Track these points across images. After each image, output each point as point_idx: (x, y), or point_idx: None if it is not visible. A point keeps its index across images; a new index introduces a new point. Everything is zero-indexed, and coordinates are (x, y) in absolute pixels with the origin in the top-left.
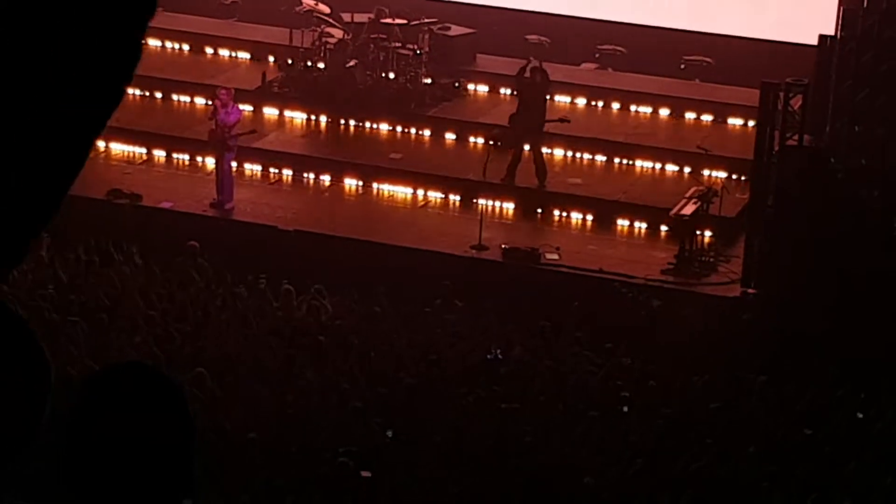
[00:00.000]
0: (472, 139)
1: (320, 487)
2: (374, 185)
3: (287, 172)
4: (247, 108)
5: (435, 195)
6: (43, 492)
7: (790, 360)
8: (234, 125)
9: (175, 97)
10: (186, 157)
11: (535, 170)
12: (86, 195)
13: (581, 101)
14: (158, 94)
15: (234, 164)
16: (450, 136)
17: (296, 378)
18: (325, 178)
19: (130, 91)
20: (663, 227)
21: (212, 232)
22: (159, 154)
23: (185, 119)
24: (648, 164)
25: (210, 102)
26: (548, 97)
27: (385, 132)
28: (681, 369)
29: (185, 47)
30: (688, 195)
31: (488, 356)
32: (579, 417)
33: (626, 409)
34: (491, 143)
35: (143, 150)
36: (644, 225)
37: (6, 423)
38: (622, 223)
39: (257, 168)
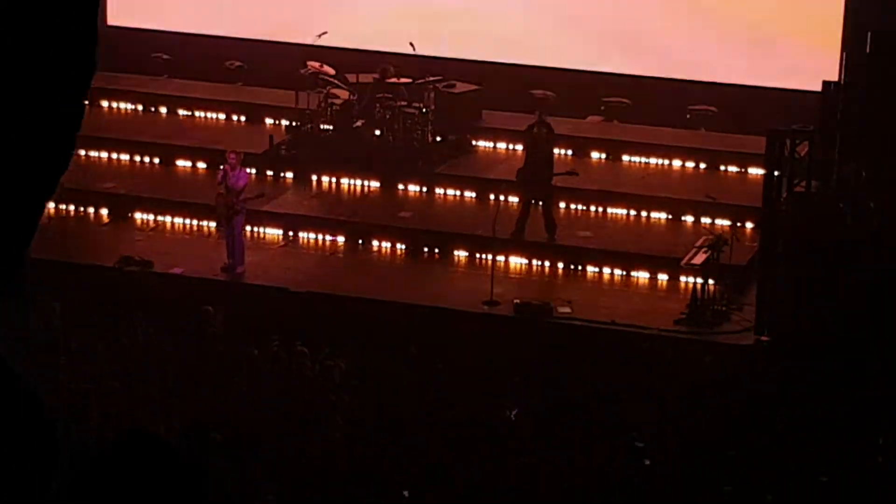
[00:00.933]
0: (481, 195)
1: None
2: (385, 244)
3: (297, 234)
4: (254, 171)
5: (445, 252)
6: None
7: (805, 405)
8: (244, 188)
9: (181, 163)
10: (195, 222)
11: (544, 224)
12: (96, 263)
13: (588, 154)
14: (157, 160)
15: (247, 227)
16: (458, 193)
17: (311, 439)
18: (336, 239)
19: (139, 158)
20: (679, 278)
21: (224, 296)
22: (168, 220)
23: (194, 185)
24: (657, 215)
25: (220, 167)
26: (554, 151)
27: (394, 191)
28: (696, 418)
29: (190, 113)
30: (698, 244)
31: (505, 413)
32: (595, 469)
33: (647, 462)
34: (500, 198)
35: (152, 217)
36: (655, 276)
37: (14, 493)
38: (633, 275)
39: (267, 231)
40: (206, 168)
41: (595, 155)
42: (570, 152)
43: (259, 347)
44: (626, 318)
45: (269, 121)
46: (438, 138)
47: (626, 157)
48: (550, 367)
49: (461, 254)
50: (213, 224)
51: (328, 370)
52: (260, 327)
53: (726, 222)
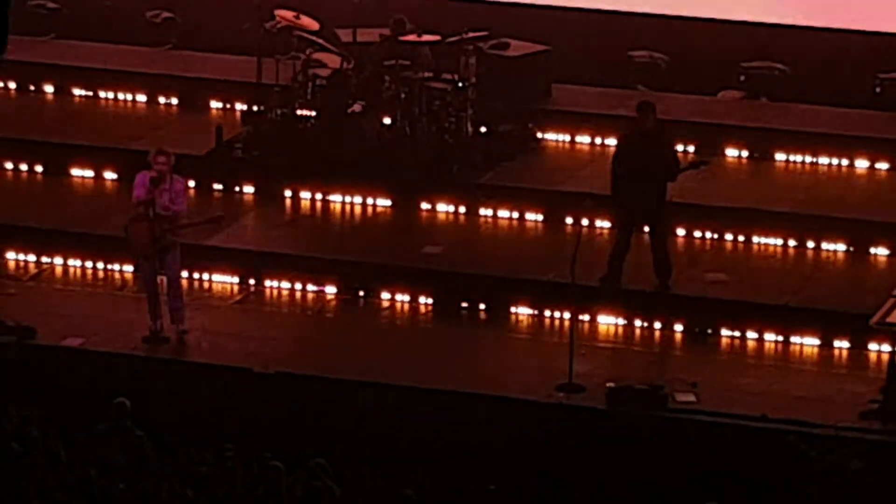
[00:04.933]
0: (551, 218)
1: None
2: (399, 297)
3: (262, 283)
4: (193, 183)
5: (496, 308)
6: None
7: None
8: (180, 210)
9: (77, 172)
10: (100, 264)
11: (653, 263)
12: None
13: (721, 152)
14: (40, 168)
15: (183, 272)
16: (513, 215)
17: None
18: (323, 289)
19: (10, 166)
20: (868, 345)
21: (148, 381)
22: (59, 262)
23: (95, 206)
24: (831, 246)
25: (139, 177)
26: (673, 146)
27: (414, 213)
28: None
29: (90, 93)
30: None
31: None
32: None
33: None
34: (583, 222)
35: (33, 258)
36: (829, 342)
37: None
38: (794, 340)
39: (216, 278)
40: (117, 180)
41: (732, 152)
42: (690, 149)
43: (206, 461)
44: (783, 410)
45: (215, 105)
46: (483, 129)
47: (779, 156)
48: (664, 485)
49: (521, 311)
50: (127, 268)
51: (313, 496)
52: (207, 430)
53: None
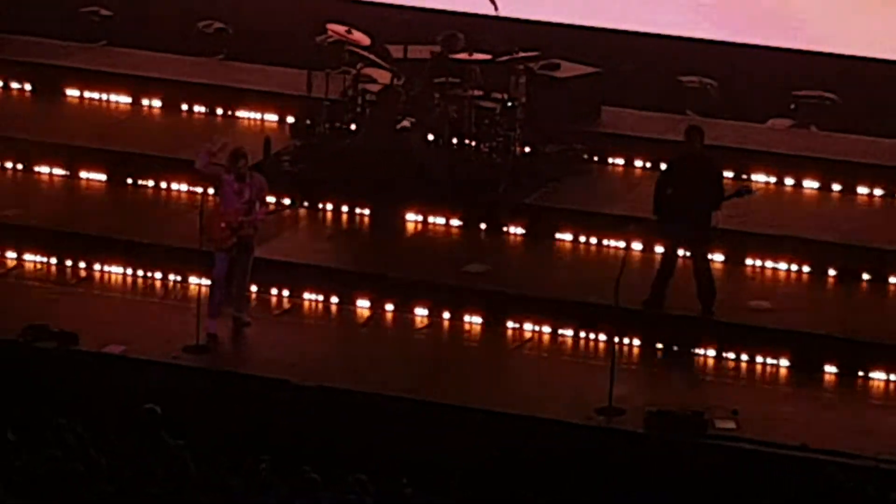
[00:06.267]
0: (593, 240)
1: None
2: (440, 314)
3: (302, 295)
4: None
5: (536, 329)
6: None
7: None
8: (263, 205)
9: (130, 180)
10: (145, 273)
11: (696, 288)
12: None
13: (768, 179)
14: (103, 177)
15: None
16: (560, 237)
17: None
18: (364, 304)
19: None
20: None
21: (187, 390)
22: (112, 271)
23: (151, 212)
24: (873, 277)
25: (222, 181)
26: (720, 172)
27: (457, 231)
28: None
29: (147, 103)
30: None
31: None
32: None
33: None
34: (624, 248)
35: (81, 264)
36: (866, 373)
37: None
38: (831, 371)
39: (259, 290)
40: (180, 191)
41: (777, 180)
42: (736, 176)
43: (241, 473)
44: (824, 440)
45: (263, 118)
46: (531, 150)
47: (836, 186)
48: None
49: (563, 332)
50: (174, 277)
51: None
52: (243, 441)
53: None
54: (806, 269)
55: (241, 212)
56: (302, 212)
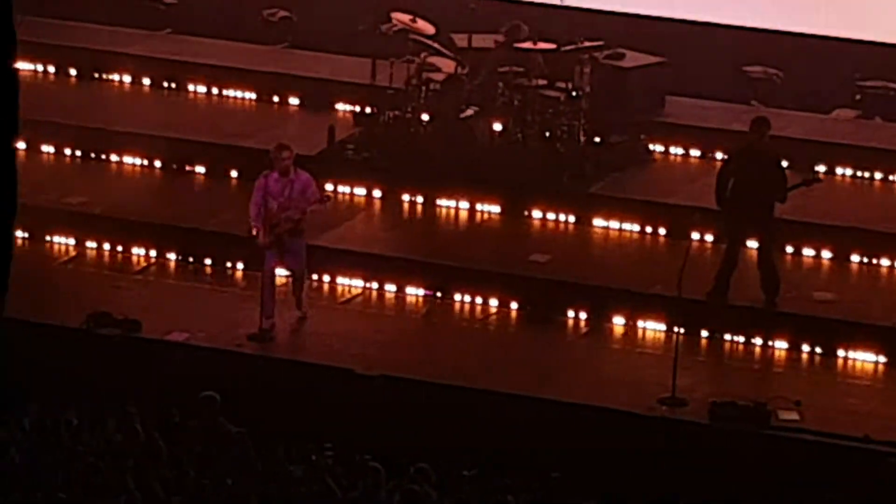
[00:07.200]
0: (659, 230)
1: None
2: (505, 304)
3: (368, 284)
4: None
5: (600, 319)
6: None
7: None
8: (312, 200)
9: (189, 168)
10: (209, 260)
11: (760, 279)
12: (54, 322)
13: (832, 171)
14: (158, 164)
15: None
16: (625, 227)
17: None
18: (427, 293)
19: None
20: None
21: (249, 379)
22: (169, 258)
23: (209, 202)
24: None
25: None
26: (782, 164)
27: (523, 220)
28: None
29: (204, 89)
30: None
31: None
32: None
33: None
34: (691, 238)
35: (142, 252)
36: None
37: None
38: None
39: (324, 279)
40: (238, 177)
41: (844, 172)
42: (802, 166)
43: (300, 461)
44: (886, 432)
45: (328, 105)
46: (596, 139)
47: (890, 177)
48: (763, 502)
49: (627, 324)
50: (238, 265)
51: (411, 501)
52: (306, 430)
53: None
54: (873, 260)
55: (282, 208)
56: (365, 200)
